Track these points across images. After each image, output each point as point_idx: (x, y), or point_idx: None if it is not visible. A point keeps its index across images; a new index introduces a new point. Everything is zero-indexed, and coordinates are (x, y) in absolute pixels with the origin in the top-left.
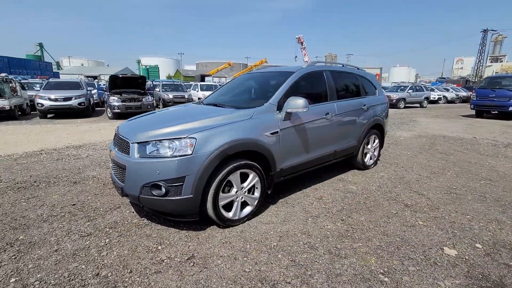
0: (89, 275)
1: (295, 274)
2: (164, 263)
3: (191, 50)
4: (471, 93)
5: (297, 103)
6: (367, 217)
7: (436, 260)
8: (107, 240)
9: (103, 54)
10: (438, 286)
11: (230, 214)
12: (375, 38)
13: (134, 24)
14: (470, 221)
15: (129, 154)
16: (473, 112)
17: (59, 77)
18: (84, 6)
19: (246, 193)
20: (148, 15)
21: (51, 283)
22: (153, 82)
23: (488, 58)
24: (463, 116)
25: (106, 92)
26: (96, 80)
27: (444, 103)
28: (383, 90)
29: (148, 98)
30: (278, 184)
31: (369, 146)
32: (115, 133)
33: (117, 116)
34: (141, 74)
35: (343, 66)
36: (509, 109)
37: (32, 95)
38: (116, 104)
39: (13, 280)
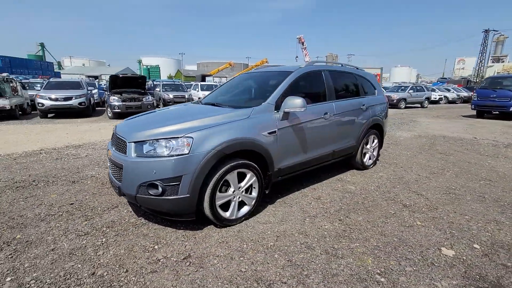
0: (85, 274)
1: (291, 274)
2: (160, 263)
3: (191, 50)
4: (472, 93)
5: (295, 103)
6: (365, 217)
7: (433, 260)
8: (103, 240)
9: (104, 54)
10: (435, 287)
11: (227, 214)
12: (375, 38)
13: (134, 24)
14: (469, 222)
15: (126, 154)
16: (474, 112)
17: (60, 77)
18: (84, 6)
19: (244, 193)
20: (148, 15)
21: (46, 282)
22: (154, 82)
23: (490, 58)
24: (464, 116)
25: (106, 92)
26: (97, 80)
27: (445, 103)
28: (383, 90)
29: (148, 98)
30: (276, 184)
31: (368, 146)
32: (113, 133)
33: (118, 116)
34: (142, 74)
35: (342, 66)
36: (510, 109)
37: (33, 94)
38: (116, 104)
39: (9, 279)
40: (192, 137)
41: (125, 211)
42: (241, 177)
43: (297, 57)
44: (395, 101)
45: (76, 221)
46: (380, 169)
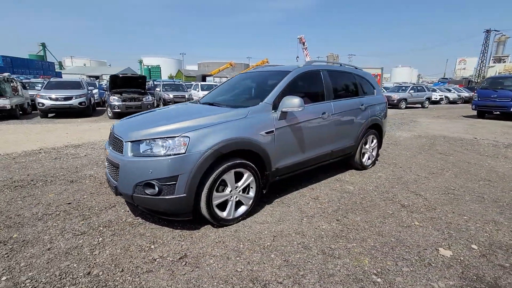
0: (80, 274)
1: (287, 274)
2: (156, 262)
3: (192, 50)
4: (473, 93)
5: (292, 102)
6: (362, 217)
7: (430, 261)
8: (100, 239)
9: (105, 54)
10: (432, 287)
11: (224, 214)
12: (376, 38)
13: (134, 24)
14: (467, 222)
15: (123, 153)
16: (475, 112)
17: (61, 77)
18: (84, 6)
19: (241, 193)
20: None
21: (42, 281)
22: (154, 82)
23: (491, 58)
24: (464, 116)
25: (106, 92)
26: (98, 80)
27: (446, 103)
28: (383, 90)
29: (148, 98)
30: (274, 184)
31: (367, 146)
32: (110, 132)
33: (118, 115)
34: (143, 74)
35: (340, 65)
36: (511, 110)
37: (34, 94)
38: (117, 103)
39: (4, 278)
40: (188, 137)
41: (123, 210)
42: (238, 176)
43: (297, 57)
44: (395, 101)
45: (73, 220)
46: (379, 169)
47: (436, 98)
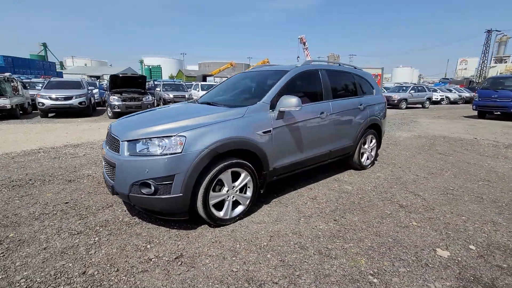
0: (76, 273)
1: (283, 274)
2: (151, 262)
3: (192, 50)
4: (474, 93)
5: (290, 102)
6: (360, 218)
7: (427, 261)
8: (96, 239)
9: (105, 54)
10: None
11: (221, 214)
12: (376, 38)
13: (134, 24)
14: (465, 222)
15: (119, 152)
16: (476, 113)
17: (62, 77)
18: (84, 6)
19: (238, 192)
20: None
21: (36, 281)
22: (154, 82)
23: (492, 58)
24: (465, 117)
25: (106, 92)
26: (99, 80)
27: (446, 103)
28: (384, 90)
29: (148, 98)
30: (272, 184)
31: (366, 146)
32: (108, 132)
33: (118, 115)
34: (143, 74)
35: (339, 65)
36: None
37: (34, 94)
38: (116, 103)
39: None
40: (185, 136)
41: (120, 210)
42: (235, 176)
43: (298, 57)
44: (396, 101)
45: (70, 220)
46: (378, 169)
47: (437, 98)
